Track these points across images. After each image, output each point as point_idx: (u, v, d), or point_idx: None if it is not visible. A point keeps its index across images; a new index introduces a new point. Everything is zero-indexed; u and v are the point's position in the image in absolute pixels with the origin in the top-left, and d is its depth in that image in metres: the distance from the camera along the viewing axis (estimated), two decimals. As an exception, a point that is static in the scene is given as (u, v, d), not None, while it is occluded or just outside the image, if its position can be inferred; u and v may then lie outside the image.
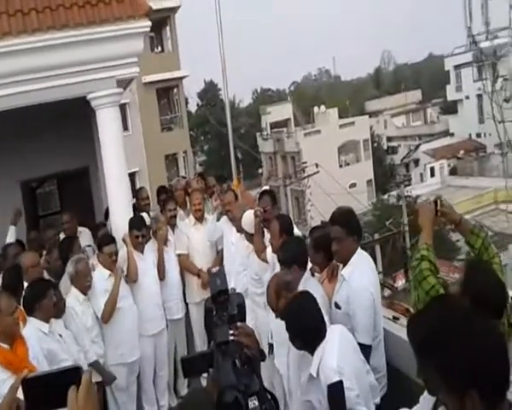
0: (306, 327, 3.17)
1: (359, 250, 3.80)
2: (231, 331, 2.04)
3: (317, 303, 3.28)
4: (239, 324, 2.14)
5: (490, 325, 1.82)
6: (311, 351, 3.18)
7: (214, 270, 2.32)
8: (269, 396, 2.00)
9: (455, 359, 1.68)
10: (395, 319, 4.62)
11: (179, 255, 6.27)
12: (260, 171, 44.14)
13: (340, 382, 2.95)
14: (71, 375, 1.42)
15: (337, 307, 3.70)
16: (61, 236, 6.55)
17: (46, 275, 5.41)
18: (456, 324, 1.82)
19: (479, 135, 42.02)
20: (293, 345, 3.27)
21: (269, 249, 4.77)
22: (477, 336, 1.72)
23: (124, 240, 5.55)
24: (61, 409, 1.42)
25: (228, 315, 2.10)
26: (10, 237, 6.35)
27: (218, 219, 6.22)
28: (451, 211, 3.29)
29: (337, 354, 3.07)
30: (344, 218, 3.77)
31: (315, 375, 3.11)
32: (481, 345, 1.69)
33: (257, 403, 1.81)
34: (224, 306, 2.14)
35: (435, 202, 3.21)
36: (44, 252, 6.02)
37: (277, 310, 3.61)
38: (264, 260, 4.91)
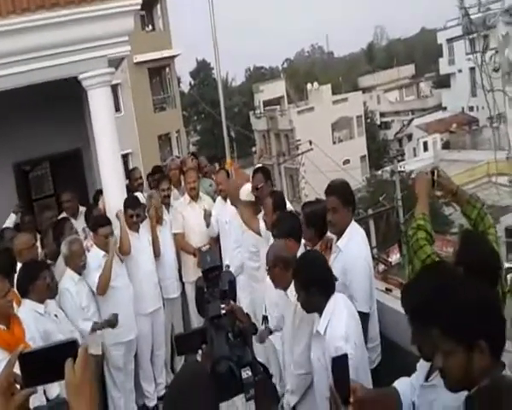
0: (322, 275, 3.25)
1: (353, 222, 3.85)
2: (223, 306, 2.09)
3: (325, 258, 3.38)
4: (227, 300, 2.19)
5: (483, 283, 1.92)
6: (323, 306, 3.22)
7: (204, 248, 2.36)
8: (261, 368, 2.05)
9: (461, 313, 1.76)
10: (388, 290, 4.68)
11: (175, 234, 6.29)
12: (254, 149, 44.02)
13: (346, 355, 3.01)
14: (67, 348, 1.44)
15: (334, 278, 3.75)
16: (64, 215, 6.58)
17: (43, 257, 5.45)
18: (455, 284, 1.89)
19: (471, 108, 41.98)
20: (306, 305, 3.30)
21: (262, 224, 4.80)
22: (477, 290, 1.81)
23: (117, 215, 5.56)
24: (58, 381, 1.45)
25: (219, 291, 2.15)
26: (9, 223, 6.37)
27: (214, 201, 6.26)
28: (448, 181, 3.32)
29: (346, 321, 3.15)
30: (340, 189, 3.83)
31: (322, 332, 3.17)
32: (482, 298, 1.78)
33: (250, 373, 1.86)
34: (215, 282, 2.18)
35: (432, 173, 3.24)
36: (38, 235, 6.05)
37: (272, 278, 3.72)
38: (258, 233, 4.94)
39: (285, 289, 3.68)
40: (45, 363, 1.43)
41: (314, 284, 3.21)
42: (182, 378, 1.72)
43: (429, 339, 1.94)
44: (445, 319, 1.81)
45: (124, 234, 5.50)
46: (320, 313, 3.24)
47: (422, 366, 2.35)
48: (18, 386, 1.45)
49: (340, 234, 3.78)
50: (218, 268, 2.24)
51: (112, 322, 5.03)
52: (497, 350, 1.78)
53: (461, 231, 3.30)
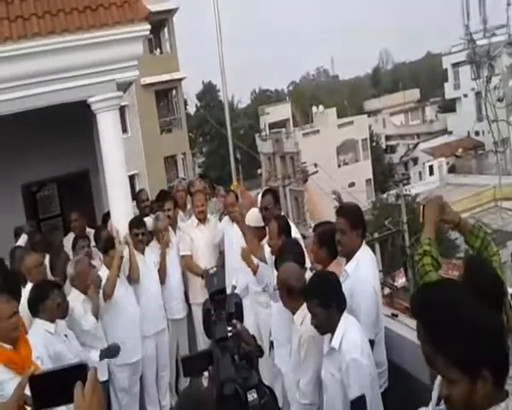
0: (339, 292, 3.31)
1: (364, 246, 3.85)
2: (229, 328, 2.10)
3: (338, 277, 3.44)
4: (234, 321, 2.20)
5: (489, 309, 1.92)
6: (336, 323, 3.26)
7: (211, 271, 2.38)
8: (267, 390, 2.06)
9: (467, 341, 1.77)
10: (394, 315, 4.66)
11: (183, 256, 6.31)
12: (259, 171, 44.16)
13: (363, 397, 3.06)
14: (77, 371, 1.45)
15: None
16: (71, 235, 6.60)
17: (50, 276, 5.47)
18: (462, 305, 1.90)
19: (477, 133, 42.05)
20: (320, 324, 3.31)
21: (267, 249, 4.81)
22: (482, 317, 1.82)
23: (126, 241, 5.59)
24: (68, 405, 1.47)
25: (226, 313, 2.17)
26: (21, 242, 6.40)
27: (220, 220, 6.27)
28: (451, 212, 3.34)
29: (359, 335, 3.23)
30: (349, 211, 3.86)
31: (337, 347, 3.21)
32: (489, 324, 1.79)
33: (256, 396, 1.87)
34: (221, 305, 2.20)
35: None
36: (47, 255, 6.07)
37: (281, 297, 3.74)
38: (263, 260, 4.95)
39: (292, 312, 3.68)
40: (55, 386, 1.44)
41: (333, 300, 3.27)
42: (185, 404, 1.72)
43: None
44: (450, 347, 1.81)
45: (133, 261, 5.53)
46: (333, 332, 3.27)
47: (436, 388, 2.35)
48: (29, 409, 1.46)
49: (348, 257, 3.78)
50: (224, 291, 2.26)
51: (113, 352, 5.02)
52: (501, 379, 1.78)
53: (465, 256, 3.30)
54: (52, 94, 5.71)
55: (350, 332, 3.23)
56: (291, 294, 3.59)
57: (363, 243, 3.87)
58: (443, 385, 1.88)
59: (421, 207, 3.36)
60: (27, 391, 1.47)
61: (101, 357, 4.91)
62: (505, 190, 25.60)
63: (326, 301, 3.26)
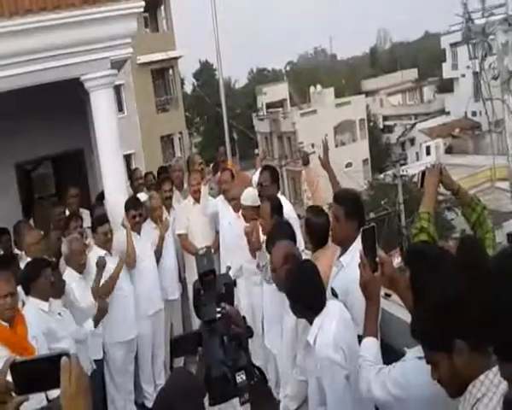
0: (308, 292, 3.16)
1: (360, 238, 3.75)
2: (218, 309, 2.10)
3: (318, 272, 3.28)
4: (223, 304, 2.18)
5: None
6: (311, 320, 3.19)
7: (201, 251, 2.36)
8: (257, 372, 2.06)
9: (427, 321, 1.82)
10: (387, 295, 4.66)
11: (179, 235, 6.32)
12: (256, 151, 44.03)
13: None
14: (59, 360, 1.46)
15: (334, 294, 3.59)
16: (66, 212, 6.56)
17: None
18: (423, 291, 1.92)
19: (474, 113, 41.92)
20: (294, 312, 3.28)
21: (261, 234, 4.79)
22: (439, 291, 1.85)
23: (123, 225, 5.57)
24: (50, 390, 1.48)
25: (216, 294, 2.16)
26: None
27: (211, 195, 6.24)
28: (450, 180, 3.31)
29: (335, 330, 3.08)
30: (345, 199, 3.63)
31: (311, 343, 3.14)
32: (445, 298, 1.82)
33: (244, 377, 1.88)
34: (211, 285, 2.19)
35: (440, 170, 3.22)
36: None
37: (280, 275, 3.57)
38: (255, 250, 4.93)
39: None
40: (37, 373, 1.45)
41: (305, 298, 3.16)
42: (171, 390, 1.72)
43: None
44: (420, 333, 1.83)
45: (131, 248, 5.52)
46: (310, 322, 3.21)
47: None
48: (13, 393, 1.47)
49: (342, 246, 3.61)
50: (214, 271, 2.25)
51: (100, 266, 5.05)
52: (480, 345, 1.76)
53: (460, 237, 3.28)
54: (45, 72, 5.64)
55: (325, 327, 3.10)
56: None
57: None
58: (431, 371, 1.89)
59: (421, 173, 3.28)
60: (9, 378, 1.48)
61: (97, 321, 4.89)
62: (501, 170, 25.62)
63: (294, 298, 3.19)
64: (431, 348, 1.82)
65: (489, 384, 1.76)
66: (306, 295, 3.15)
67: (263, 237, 4.74)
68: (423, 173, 3.27)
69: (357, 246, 3.42)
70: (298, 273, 3.25)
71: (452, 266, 2.23)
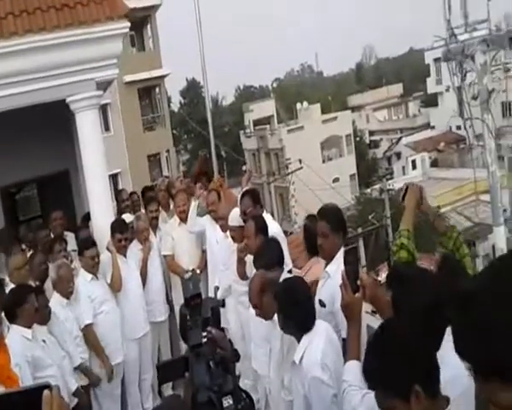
0: (300, 310, 3.17)
1: (343, 248, 3.82)
2: (204, 334, 2.08)
3: (309, 289, 3.30)
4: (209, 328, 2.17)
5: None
6: (299, 338, 3.18)
7: (187, 275, 2.36)
8: (244, 395, 2.04)
9: (386, 367, 1.78)
10: (374, 312, 4.65)
11: (165, 256, 6.28)
12: (244, 168, 44.13)
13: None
14: (40, 393, 1.43)
15: (322, 304, 3.65)
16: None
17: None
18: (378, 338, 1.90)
19: (459, 127, 42.36)
20: (283, 328, 3.27)
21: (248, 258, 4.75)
22: (394, 336, 1.84)
23: (108, 249, 5.53)
24: None
25: (201, 318, 2.15)
26: None
27: (199, 214, 6.23)
28: (428, 206, 3.36)
29: (322, 349, 3.08)
30: (330, 214, 3.80)
31: (297, 362, 3.13)
32: (401, 343, 1.79)
33: (231, 402, 1.86)
34: (197, 310, 2.18)
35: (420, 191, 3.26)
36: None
37: (260, 308, 3.61)
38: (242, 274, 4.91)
39: (272, 317, 3.62)
40: (18, 406, 1.42)
41: (296, 315, 3.15)
42: None
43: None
44: (378, 378, 1.81)
45: (116, 271, 5.48)
46: (298, 340, 3.20)
47: None
48: None
49: (329, 259, 3.73)
50: (199, 296, 2.24)
51: (95, 380, 5.15)
52: (434, 389, 1.76)
53: (440, 256, 3.29)
54: (30, 94, 5.63)
55: (313, 347, 3.10)
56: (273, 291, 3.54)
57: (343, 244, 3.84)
58: None
59: (405, 187, 3.33)
60: None
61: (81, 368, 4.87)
62: (485, 183, 25.91)
63: (285, 314, 3.19)
64: (389, 393, 1.78)
65: None
66: (299, 312, 3.16)
67: (250, 258, 4.72)
68: (406, 188, 3.32)
69: (341, 255, 3.51)
70: (291, 290, 3.26)
71: (432, 286, 2.24)
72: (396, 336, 1.82)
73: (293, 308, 3.15)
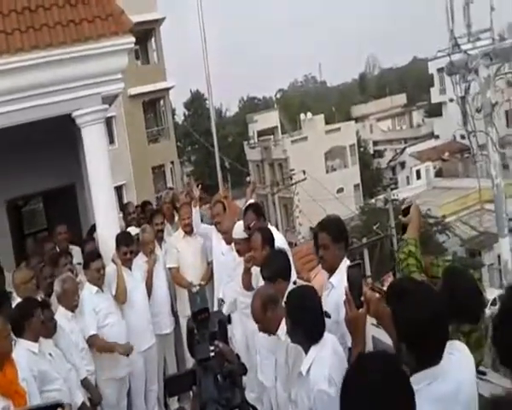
0: (310, 319, 3.17)
1: (345, 259, 3.84)
2: (212, 348, 2.10)
3: (319, 298, 3.31)
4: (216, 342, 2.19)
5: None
6: (306, 348, 3.17)
7: (194, 289, 2.39)
8: (251, 409, 2.06)
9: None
10: (379, 324, 4.64)
11: (170, 269, 6.30)
12: (248, 179, 44.18)
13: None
14: None
15: (327, 315, 3.59)
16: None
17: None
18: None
19: (463, 136, 42.32)
20: (291, 337, 3.27)
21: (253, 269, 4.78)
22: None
23: (114, 261, 5.56)
24: None
25: (209, 332, 2.17)
26: None
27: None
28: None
29: (330, 363, 3.08)
30: (330, 225, 3.83)
31: (304, 373, 3.13)
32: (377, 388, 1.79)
33: (239, 415, 1.88)
34: (204, 324, 2.20)
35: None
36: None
37: (264, 324, 3.63)
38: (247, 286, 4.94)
39: (276, 331, 3.63)
40: None
41: (306, 324, 3.15)
42: None
43: None
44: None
45: (121, 284, 5.50)
46: (305, 351, 3.20)
47: None
48: None
49: (331, 270, 3.76)
50: (207, 309, 2.26)
51: (97, 397, 5.11)
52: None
53: (444, 267, 3.32)
54: (36, 109, 5.68)
55: (321, 359, 3.09)
56: (275, 307, 3.56)
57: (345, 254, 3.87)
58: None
59: (409, 205, 3.48)
60: None
61: (84, 384, 4.91)
62: (489, 192, 25.89)
63: (295, 323, 3.18)
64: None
65: None
66: (309, 321, 3.16)
67: (256, 270, 4.74)
68: (408, 207, 3.47)
69: (344, 265, 3.59)
70: (301, 296, 3.28)
71: (431, 300, 2.25)
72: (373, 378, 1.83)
73: (301, 315, 3.16)
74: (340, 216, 4.36)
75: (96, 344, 5.20)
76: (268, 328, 3.62)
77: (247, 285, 4.85)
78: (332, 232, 3.74)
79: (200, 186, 6.58)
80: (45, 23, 5.68)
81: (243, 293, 5.22)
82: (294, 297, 3.29)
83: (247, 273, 4.82)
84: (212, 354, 2.10)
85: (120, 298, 5.51)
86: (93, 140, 5.99)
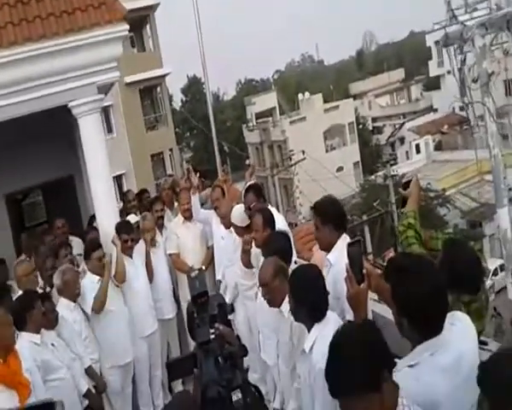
0: (314, 298, 3.20)
1: (344, 236, 3.89)
2: (212, 330, 2.15)
3: (323, 277, 3.35)
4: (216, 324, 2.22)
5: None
6: (309, 327, 3.21)
7: (193, 274, 2.42)
8: (253, 389, 2.11)
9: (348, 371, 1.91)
10: (380, 298, 4.69)
11: (170, 255, 6.35)
12: (248, 162, 44.12)
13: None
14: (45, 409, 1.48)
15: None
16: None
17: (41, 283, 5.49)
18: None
19: (462, 108, 42.08)
20: (295, 315, 3.30)
21: (253, 250, 4.83)
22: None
23: (113, 241, 5.59)
24: None
25: (208, 315, 2.22)
26: None
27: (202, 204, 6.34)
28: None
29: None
30: (320, 207, 3.92)
31: (307, 351, 3.16)
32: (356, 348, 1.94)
33: (240, 396, 1.92)
34: (204, 307, 2.25)
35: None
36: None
37: (270, 290, 3.68)
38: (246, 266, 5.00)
39: (279, 305, 3.70)
40: None
41: (309, 303, 3.18)
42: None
43: None
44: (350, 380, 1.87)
45: (120, 262, 5.53)
46: (308, 329, 3.24)
47: None
48: None
49: (327, 249, 3.82)
50: (206, 293, 2.30)
51: (101, 386, 5.16)
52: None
53: (444, 239, 3.36)
54: (32, 102, 5.67)
55: (323, 338, 3.01)
56: (284, 277, 3.59)
57: (344, 232, 3.91)
58: None
59: (409, 179, 3.56)
60: None
61: (89, 372, 4.96)
62: (489, 163, 25.85)
63: (298, 301, 3.21)
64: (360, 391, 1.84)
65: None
66: (312, 300, 3.19)
67: (256, 251, 4.79)
68: (408, 181, 3.56)
69: (341, 243, 3.66)
70: (304, 275, 3.31)
71: (430, 274, 2.30)
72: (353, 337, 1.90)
73: (305, 293, 3.19)
74: (334, 197, 4.39)
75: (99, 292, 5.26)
76: (273, 296, 3.67)
77: (247, 263, 4.91)
78: (320, 215, 3.83)
79: (198, 174, 6.57)
80: (38, 15, 5.64)
81: (243, 276, 5.27)
82: (298, 276, 3.33)
83: (245, 253, 4.89)
84: (213, 336, 2.14)
85: (118, 277, 5.50)
86: (90, 130, 5.99)
